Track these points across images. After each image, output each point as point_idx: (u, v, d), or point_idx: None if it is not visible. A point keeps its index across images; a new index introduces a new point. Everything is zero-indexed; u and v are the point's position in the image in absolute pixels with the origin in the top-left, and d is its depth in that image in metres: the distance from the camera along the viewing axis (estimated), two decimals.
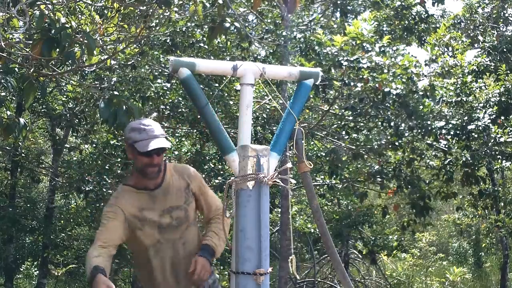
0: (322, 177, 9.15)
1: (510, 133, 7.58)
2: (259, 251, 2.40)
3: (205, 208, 3.11)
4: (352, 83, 6.95)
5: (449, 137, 7.43)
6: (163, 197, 2.97)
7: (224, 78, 7.15)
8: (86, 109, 8.50)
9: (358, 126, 7.92)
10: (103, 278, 2.69)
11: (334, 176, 7.90)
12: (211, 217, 3.11)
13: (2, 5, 3.46)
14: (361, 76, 6.81)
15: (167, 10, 4.53)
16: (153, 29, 6.15)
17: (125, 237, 2.93)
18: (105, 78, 7.77)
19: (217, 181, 8.14)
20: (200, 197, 3.08)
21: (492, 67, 9.94)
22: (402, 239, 11.09)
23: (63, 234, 11.80)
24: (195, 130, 8.38)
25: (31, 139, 11.07)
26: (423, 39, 9.84)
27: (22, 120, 4.01)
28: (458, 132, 7.33)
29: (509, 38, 11.06)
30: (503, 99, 7.96)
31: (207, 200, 3.10)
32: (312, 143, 9.04)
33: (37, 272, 11.82)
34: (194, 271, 2.85)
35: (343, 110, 8.01)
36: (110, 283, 2.68)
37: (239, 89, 2.62)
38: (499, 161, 8.10)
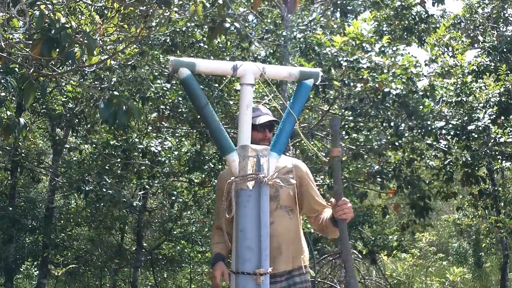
0: (322, 177, 9.14)
1: (510, 133, 7.57)
2: (259, 251, 2.40)
3: (308, 201, 3.16)
4: (352, 83, 6.95)
5: (449, 137, 7.42)
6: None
7: (224, 78, 7.15)
8: (86, 109, 8.50)
9: (358, 126, 7.91)
10: (220, 264, 2.97)
11: None
12: (319, 211, 3.14)
13: (2, 5, 3.46)
14: (361, 76, 6.81)
15: (167, 10, 4.53)
16: (153, 29, 6.15)
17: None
18: (105, 78, 7.77)
19: (217, 181, 8.13)
20: (303, 188, 3.15)
21: (492, 67, 9.94)
22: (402, 239, 11.09)
23: (63, 234, 11.81)
24: (195, 130, 8.38)
25: (31, 139, 11.06)
26: (423, 39, 9.84)
27: (22, 120, 4.01)
28: (458, 132, 7.33)
29: (509, 38, 11.06)
30: (503, 99, 7.96)
31: (310, 192, 3.16)
32: (312, 143, 9.03)
33: (37, 272, 11.82)
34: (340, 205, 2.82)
35: (343, 110, 8.01)
36: (225, 269, 2.93)
37: (239, 89, 2.62)
38: (499, 161, 8.10)
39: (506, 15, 12.03)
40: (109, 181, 8.30)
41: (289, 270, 3.08)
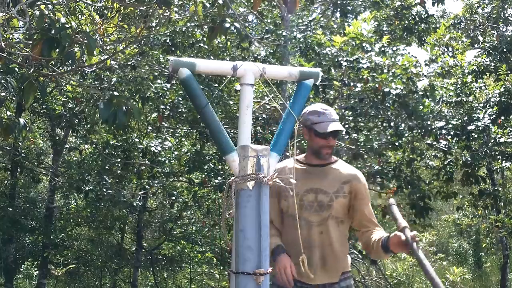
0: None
1: (510, 133, 7.57)
2: (259, 251, 2.40)
3: (360, 215, 3.09)
4: (352, 83, 6.95)
5: (449, 137, 7.42)
6: (318, 177, 3.06)
7: (224, 78, 7.15)
8: (86, 109, 8.51)
9: (358, 126, 7.91)
10: (286, 257, 2.97)
11: None
12: (369, 227, 3.08)
13: (2, 5, 3.46)
14: (361, 76, 6.81)
15: (167, 10, 4.53)
16: (153, 29, 6.16)
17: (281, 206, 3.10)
18: (105, 78, 7.77)
19: (217, 181, 8.14)
20: (357, 201, 3.07)
21: (492, 67, 9.95)
22: None
23: (63, 234, 11.81)
24: (195, 130, 8.39)
25: (31, 139, 11.06)
26: (423, 39, 9.84)
27: (22, 120, 4.02)
28: (458, 132, 7.33)
29: (509, 38, 11.07)
30: (503, 99, 7.96)
31: (363, 207, 3.09)
32: None
33: (37, 272, 11.82)
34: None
35: (343, 110, 8.01)
36: (291, 262, 2.94)
37: (239, 89, 2.62)
38: (499, 161, 8.10)
39: (506, 15, 12.03)
40: (109, 181, 8.30)
41: (333, 282, 3.05)
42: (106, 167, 8.53)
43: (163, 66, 8.21)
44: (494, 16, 12.08)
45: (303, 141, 8.36)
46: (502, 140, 7.51)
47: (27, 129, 4.16)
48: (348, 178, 3.09)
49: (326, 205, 3.03)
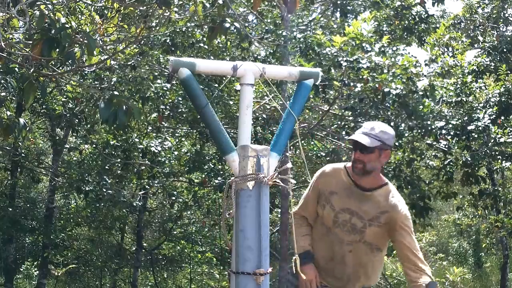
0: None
1: (510, 133, 7.57)
2: (259, 251, 2.40)
3: (399, 246, 3.00)
4: (352, 83, 6.95)
5: (449, 137, 7.42)
6: (358, 200, 3.00)
7: (224, 78, 7.15)
8: (86, 109, 8.50)
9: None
10: (313, 267, 3.01)
11: None
12: (410, 263, 2.98)
13: (2, 5, 3.46)
14: (361, 76, 6.80)
15: (167, 10, 4.52)
16: (153, 29, 6.15)
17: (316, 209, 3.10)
18: (105, 78, 7.77)
19: (217, 181, 8.14)
20: (393, 232, 2.99)
21: (492, 67, 9.94)
22: None
23: (63, 234, 11.82)
24: (195, 130, 8.39)
25: (31, 139, 11.06)
26: (423, 39, 9.83)
27: (22, 120, 4.02)
28: (458, 132, 7.33)
29: (509, 38, 11.07)
30: (503, 99, 7.96)
31: (400, 239, 2.99)
32: (312, 143, 9.04)
33: (37, 272, 11.82)
34: None
35: (343, 110, 8.01)
36: (316, 272, 2.99)
37: (239, 89, 2.61)
38: (499, 161, 8.10)
39: (506, 15, 12.03)
40: (109, 181, 8.30)
41: None
42: (106, 167, 8.53)
43: (163, 66, 8.21)
44: (494, 16, 12.07)
45: (303, 141, 8.38)
46: (502, 140, 7.51)
47: (27, 129, 4.17)
48: (387, 208, 3.00)
49: (358, 229, 2.99)
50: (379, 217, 2.99)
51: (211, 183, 8.49)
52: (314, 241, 3.12)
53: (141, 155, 8.49)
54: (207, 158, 8.32)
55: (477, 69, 9.66)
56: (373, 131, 2.93)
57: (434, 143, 7.59)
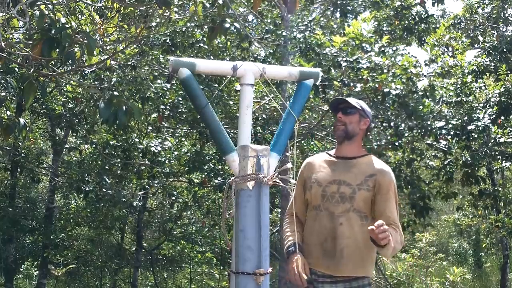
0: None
1: (510, 133, 7.57)
2: (259, 251, 2.40)
3: (377, 210, 3.01)
4: (352, 84, 6.94)
5: (449, 137, 7.42)
6: (343, 169, 3.07)
7: (224, 78, 7.15)
8: (86, 109, 8.51)
9: None
10: (298, 256, 2.97)
11: None
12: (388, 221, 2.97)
13: (2, 5, 3.46)
14: (360, 77, 6.80)
15: (167, 10, 4.52)
16: (153, 29, 6.15)
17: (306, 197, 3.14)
18: (105, 78, 7.77)
19: (217, 181, 8.14)
20: (378, 196, 3.01)
21: (492, 67, 9.94)
22: None
23: (63, 234, 11.81)
24: (195, 130, 8.38)
25: (31, 139, 11.06)
26: (423, 39, 9.83)
27: (22, 120, 4.02)
28: (458, 132, 7.32)
29: (509, 38, 11.07)
30: (503, 99, 7.95)
31: (383, 203, 3.01)
32: (312, 143, 9.03)
33: (37, 272, 11.82)
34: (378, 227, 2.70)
35: None
36: (304, 262, 2.96)
37: (239, 89, 2.62)
38: (499, 161, 8.09)
39: (506, 15, 12.03)
40: (109, 181, 8.30)
41: (347, 276, 2.98)
42: (106, 167, 8.53)
43: (163, 66, 8.21)
44: (494, 16, 12.07)
45: (302, 141, 8.37)
46: (502, 140, 7.50)
47: (27, 129, 4.17)
48: (373, 172, 3.04)
49: (348, 197, 2.99)
50: (367, 180, 3.02)
51: (211, 183, 8.49)
52: (307, 230, 3.10)
53: (141, 155, 8.49)
54: (207, 158, 8.32)
55: (477, 69, 9.65)
56: (353, 100, 3.12)
57: (434, 143, 7.59)
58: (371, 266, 3.10)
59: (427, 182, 8.01)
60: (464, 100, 7.64)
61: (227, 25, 4.68)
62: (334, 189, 3.02)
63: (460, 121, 7.36)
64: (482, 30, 12.31)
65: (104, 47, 4.60)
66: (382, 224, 2.68)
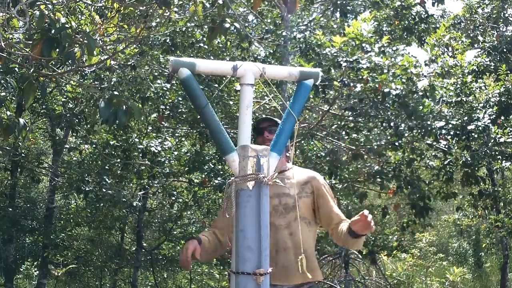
0: (322, 177, 9.12)
1: (510, 133, 7.57)
2: (259, 251, 2.40)
3: (324, 212, 3.15)
4: (351, 84, 6.95)
5: (449, 137, 7.42)
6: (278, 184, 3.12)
7: (224, 78, 7.15)
8: (86, 109, 8.50)
9: (358, 127, 7.91)
10: (194, 241, 2.97)
11: (334, 177, 7.90)
12: (337, 223, 3.13)
13: (2, 5, 3.46)
14: (360, 77, 6.81)
15: (167, 10, 4.52)
16: (153, 29, 6.16)
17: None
18: (105, 78, 7.77)
19: (217, 181, 8.13)
20: (321, 200, 3.16)
21: (492, 67, 9.95)
22: (402, 239, 11.08)
23: (63, 234, 11.80)
24: (195, 130, 8.38)
25: (31, 139, 11.06)
26: (423, 39, 9.84)
27: (22, 120, 4.02)
28: (458, 132, 7.33)
29: (509, 38, 11.08)
30: (503, 99, 7.96)
31: (327, 204, 3.17)
32: (312, 143, 9.04)
33: (37, 272, 11.82)
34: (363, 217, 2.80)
35: (343, 111, 8.01)
36: (197, 246, 2.93)
37: (239, 89, 2.61)
38: (499, 161, 8.10)
39: (506, 15, 12.04)
40: (109, 181, 8.30)
41: (300, 284, 3.08)
42: (106, 167, 8.52)
43: (163, 66, 8.21)
44: (494, 16, 12.08)
45: (302, 141, 8.38)
46: (502, 140, 7.51)
47: (27, 129, 4.17)
48: (307, 179, 3.21)
49: (291, 206, 3.10)
50: (304, 188, 3.17)
51: (211, 183, 8.48)
52: None
53: (141, 155, 8.49)
54: (207, 158, 8.31)
55: (477, 69, 9.67)
56: (274, 118, 3.27)
57: (434, 143, 7.59)
58: (318, 270, 3.21)
59: (427, 182, 8.01)
60: (464, 100, 7.65)
61: (227, 25, 4.68)
62: (276, 202, 3.11)
63: (460, 121, 7.36)
64: (482, 30, 12.32)
65: (104, 47, 4.60)
66: (367, 212, 2.80)
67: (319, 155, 8.59)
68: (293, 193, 3.13)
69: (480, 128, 7.32)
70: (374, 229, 2.82)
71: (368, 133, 7.87)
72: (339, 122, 8.07)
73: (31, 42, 3.57)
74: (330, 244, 9.81)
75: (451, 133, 7.31)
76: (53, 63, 4.76)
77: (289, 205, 3.11)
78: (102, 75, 7.76)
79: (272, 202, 3.07)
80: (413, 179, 7.55)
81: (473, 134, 7.38)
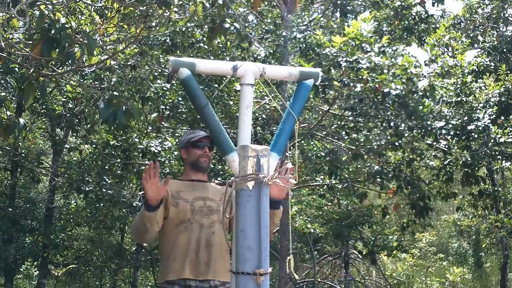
0: (322, 177, 9.14)
1: (510, 133, 7.57)
2: (259, 251, 2.40)
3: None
4: (351, 84, 6.95)
5: (449, 137, 7.42)
6: (202, 188, 3.39)
7: (224, 78, 7.15)
8: (86, 109, 8.50)
9: (358, 127, 7.91)
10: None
11: (334, 177, 7.91)
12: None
13: (2, 5, 3.46)
14: (360, 77, 6.81)
15: (167, 11, 4.52)
16: (153, 29, 6.15)
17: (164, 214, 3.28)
18: (105, 78, 7.77)
19: (216, 181, 8.13)
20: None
21: (492, 67, 9.95)
22: (402, 239, 11.09)
23: (63, 234, 11.81)
24: None
25: (31, 139, 11.06)
26: (423, 39, 9.84)
27: (22, 120, 4.01)
28: (458, 132, 7.33)
29: (509, 38, 11.08)
30: (503, 99, 7.96)
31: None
32: (312, 143, 9.04)
33: (37, 272, 11.82)
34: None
35: (343, 110, 8.01)
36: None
37: (239, 89, 2.61)
38: (499, 161, 8.10)
39: (506, 15, 12.04)
40: (109, 181, 8.30)
41: (220, 281, 3.23)
42: (106, 167, 8.52)
43: (163, 66, 8.21)
44: (494, 16, 12.08)
45: (302, 141, 8.38)
46: (502, 140, 7.51)
47: (27, 129, 4.16)
48: (223, 190, 3.30)
49: (215, 209, 3.31)
50: (222, 198, 3.25)
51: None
52: (173, 245, 3.27)
53: (141, 155, 8.49)
54: None
55: (477, 69, 9.67)
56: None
57: (434, 143, 7.59)
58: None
59: (427, 182, 8.02)
60: (464, 100, 7.65)
61: (227, 25, 4.68)
62: (201, 204, 3.31)
63: (460, 121, 7.36)
64: (482, 30, 12.32)
65: (104, 47, 4.60)
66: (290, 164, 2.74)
67: (319, 155, 8.60)
68: (216, 198, 3.34)
69: (480, 128, 7.32)
70: (293, 183, 2.58)
71: (368, 133, 7.87)
72: (339, 122, 8.08)
73: (31, 42, 3.56)
74: (330, 244, 9.81)
75: (451, 133, 7.32)
76: (53, 63, 4.76)
77: (213, 208, 3.32)
78: (102, 75, 7.76)
79: (198, 204, 3.31)
80: (413, 179, 7.55)
81: (473, 134, 7.38)
